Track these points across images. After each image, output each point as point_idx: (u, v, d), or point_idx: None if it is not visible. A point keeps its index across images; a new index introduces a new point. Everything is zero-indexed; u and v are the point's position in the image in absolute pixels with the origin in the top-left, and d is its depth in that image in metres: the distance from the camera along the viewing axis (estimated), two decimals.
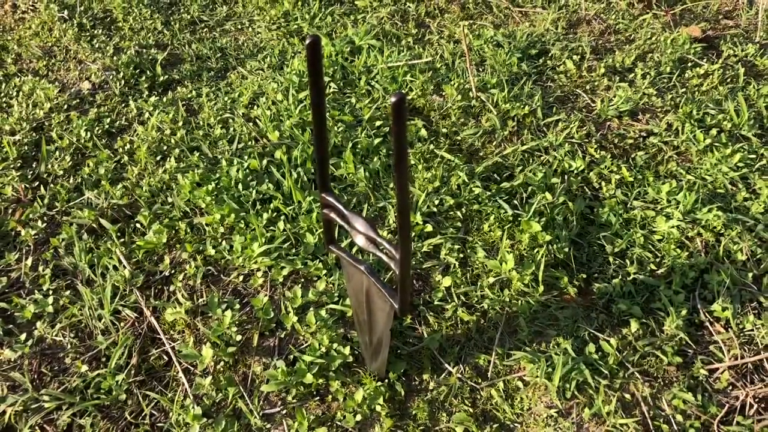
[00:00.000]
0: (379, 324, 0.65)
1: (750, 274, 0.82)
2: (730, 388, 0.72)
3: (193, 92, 1.06)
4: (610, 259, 0.85)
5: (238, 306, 0.78)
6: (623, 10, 1.34)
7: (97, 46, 1.14)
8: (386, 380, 0.72)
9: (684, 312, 0.77)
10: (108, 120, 1.00)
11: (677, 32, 1.24)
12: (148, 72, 1.09)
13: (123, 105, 1.04)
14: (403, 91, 1.07)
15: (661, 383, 0.72)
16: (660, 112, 1.06)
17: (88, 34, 1.17)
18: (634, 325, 0.77)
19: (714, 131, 1.01)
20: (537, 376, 0.72)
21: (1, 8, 1.24)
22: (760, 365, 0.74)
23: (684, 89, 1.11)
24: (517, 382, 0.72)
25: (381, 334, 0.66)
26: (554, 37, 1.23)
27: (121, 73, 1.08)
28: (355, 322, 0.69)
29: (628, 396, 0.71)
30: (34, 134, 0.98)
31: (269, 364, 0.73)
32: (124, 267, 0.81)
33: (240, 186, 0.89)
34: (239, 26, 1.23)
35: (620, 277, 0.83)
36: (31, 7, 1.20)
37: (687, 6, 1.34)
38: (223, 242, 0.84)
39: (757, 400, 0.71)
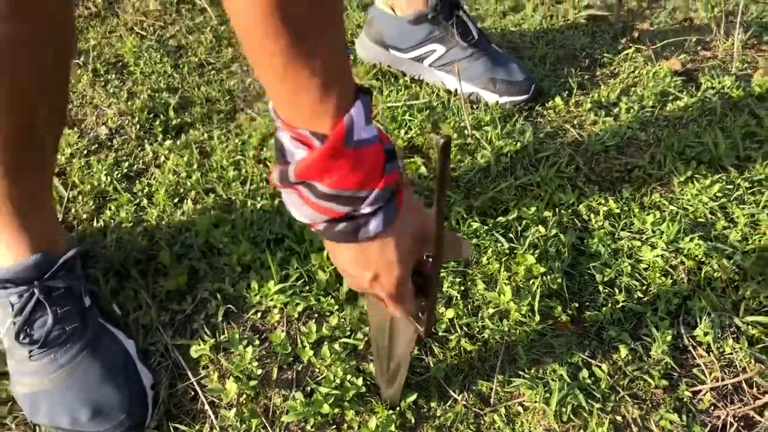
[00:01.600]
0: (400, 349, 0.71)
1: (729, 301, 0.89)
2: (712, 408, 0.79)
3: (205, 135, 1.13)
4: (600, 287, 0.92)
5: (257, 342, 0.84)
6: (608, 43, 1.41)
7: (111, 91, 1.20)
8: (397, 408, 0.78)
9: (669, 337, 0.84)
10: (126, 164, 1.06)
11: (658, 65, 1.32)
12: (161, 116, 1.15)
13: (139, 149, 1.10)
14: (402, 130, 1.13)
15: (649, 405, 0.79)
16: (644, 145, 1.13)
17: (102, 79, 1.23)
18: (623, 351, 0.83)
19: (694, 163, 1.08)
20: (536, 401, 0.78)
21: None
22: (739, 386, 0.81)
23: (666, 122, 1.18)
24: (517, 407, 0.79)
25: (400, 359, 0.72)
26: (543, 73, 1.30)
27: (136, 118, 1.14)
28: (373, 349, 0.75)
29: (619, 418, 0.77)
30: (57, 180, 1.03)
31: (288, 396, 0.79)
32: (150, 307, 0.87)
33: (254, 227, 0.95)
34: (245, 68, 1.30)
35: (610, 305, 0.90)
36: None
37: (668, 41, 1.41)
38: (241, 281, 0.90)
39: (737, 419, 0.78)
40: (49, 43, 0.62)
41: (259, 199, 1.00)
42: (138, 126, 1.13)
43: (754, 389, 0.80)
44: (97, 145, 1.10)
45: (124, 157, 1.08)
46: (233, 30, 0.47)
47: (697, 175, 1.07)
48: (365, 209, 0.52)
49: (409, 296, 0.62)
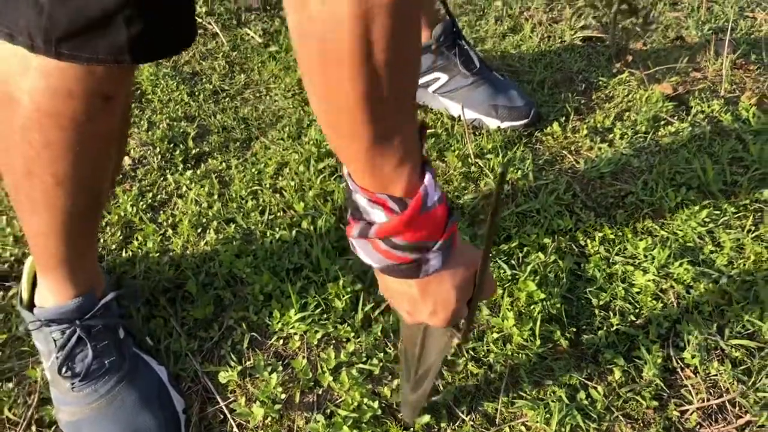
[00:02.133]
0: (432, 355, 0.76)
1: (715, 324, 0.96)
2: (698, 427, 0.86)
3: (223, 164, 1.19)
4: (596, 311, 0.99)
5: (280, 368, 0.91)
6: (603, 66, 1.48)
7: (132, 120, 1.26)
8: (411, 429, 0.85)
9: (659, 360, 0.92)
10: (150, 194, 1.13)
11: (651, 90, 1.38)
12: (181, 145, 1.22)
13: (162, 179, 1.16)
14: None
15: (641, 424, 0.86)
16: (637, 171, 1.20)
17: None
18: (617, 373, 0.91)
19: (684, 189, 1.16)
20: (537, 422, 0.85)
21: None
22: (723, 406, 0.88)
23: (658, 148, 1.25)
24: (521, 427, 0.86)
25: (430, 365, 0.78)
26: (541, 98, 1.37)
27: (157, 148, 1.20)
28: (401, 353, 0.82)
29: None
30: None
31: (310, 418, 0.86)
32: (179, 334, 0.94)
33: (274, 257, 1.02)
34: (257, 94, 1.36)
35: (605, 328, 0.97)
36: None
37: (661, 64, 1.48)
38: (264, 309, 0.97)
39: None
40: (119, 130, 0.69)
41: (277, 229, 1.06)
42: (159, 156, 1.20)
43: (737, 409, 0.88)
44: (121, 176, 1.17)
45: (148, 188, 1.15)
46: (321, 113, 0.53)
47: (686, 201, 1.14)
48: (429, 255, 0.60)
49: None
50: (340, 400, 0.88)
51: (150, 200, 1.12)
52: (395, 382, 0.90)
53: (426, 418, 0.86)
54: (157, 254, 1.04)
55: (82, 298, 0.82)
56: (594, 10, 1.66)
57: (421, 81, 1.30)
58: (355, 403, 0.86)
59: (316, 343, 0.94)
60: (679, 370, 0.92)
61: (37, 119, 0.63)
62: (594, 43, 1.58)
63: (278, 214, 1.10)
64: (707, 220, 1.11)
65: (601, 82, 1.42)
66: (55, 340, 0.82)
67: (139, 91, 1.35)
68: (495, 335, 0.95)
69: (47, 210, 0.71)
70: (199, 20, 1.56)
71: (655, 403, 0.88)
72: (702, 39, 1.64)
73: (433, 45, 1.26)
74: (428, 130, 1.25)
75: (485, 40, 1.56)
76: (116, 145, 0.72)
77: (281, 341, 0.94)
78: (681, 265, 1.03)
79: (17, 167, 0.67)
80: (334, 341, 0.94)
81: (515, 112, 1.27)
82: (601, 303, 1.00)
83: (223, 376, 0.90)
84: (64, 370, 0.82)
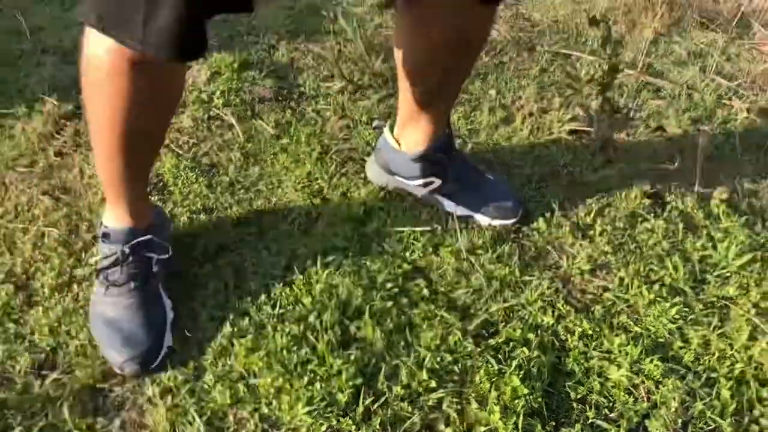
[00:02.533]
0: None
1: (680, 420, 1.07)
2: None
3: (238, 257, 1.31)
4: (574, 404, 1.10)
5: None
6: (587, 160, 1.61)
7: None
8: None
9: None
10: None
11: (630, 187, 1.51)
12: (201, 239, 1.34)
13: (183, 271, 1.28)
14: (407, 252, 1.32)
15: None
16: (615, 268, 1.32)
17: None
18: None
19: (657, 286, 1.27)
20: None
21: (70, 172, 1.49)
22: None
23: (635, 245, 1.37)
24: None
25: None
26: (529, 192, 1.50)
27: (178, 242, 1.32)
28: None
29: None
30: None
31: None
32: (199, 425, 1.05)
33: (284, 351, 1.13)
34: (270, 186, 1.48)
35: (581, 421, 1.08)
36: (95, 173, 1.44)
37: (641, 157, 1.61)
38: (274, 401, 1.08)
39: None
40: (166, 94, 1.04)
41: (286, 323, 1.18)
42: (182, 252, 1.31)
43: None
44: None
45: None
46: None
47: (659, 298, 1.25)
48: None
49: None
50: None
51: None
52: None
53: None
54: (178, 345, 1.15)
55: (129, 229, 1.14)
56: (580, 106, 1.79)
57: (418, 183, 1.43)
58: None
59: None
60: None
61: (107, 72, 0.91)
62: (580, 135, 1.71)
63: (288, 307, 1.22)
64: (677, 316, 1.22)
65: (584, 177, 1.55)
66: (104, 253, 1.14)
67: (161, 183, 1.48)
68: (482, 428, 1.05)
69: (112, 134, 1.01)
70: (216, 111, 1.70)
71: None
72: (681, 129, 1.77)
73: (429, 157, 1.38)
74: (423, 227, 1.38)
75: (479, 132, 1.69)
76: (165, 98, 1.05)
77: None
78: (651, 361, 1.14)
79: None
80: None
81: (505, 212, 1.39)
82: (579, 396, 1.11)
83: None
84: (101, 276, 1.14)
